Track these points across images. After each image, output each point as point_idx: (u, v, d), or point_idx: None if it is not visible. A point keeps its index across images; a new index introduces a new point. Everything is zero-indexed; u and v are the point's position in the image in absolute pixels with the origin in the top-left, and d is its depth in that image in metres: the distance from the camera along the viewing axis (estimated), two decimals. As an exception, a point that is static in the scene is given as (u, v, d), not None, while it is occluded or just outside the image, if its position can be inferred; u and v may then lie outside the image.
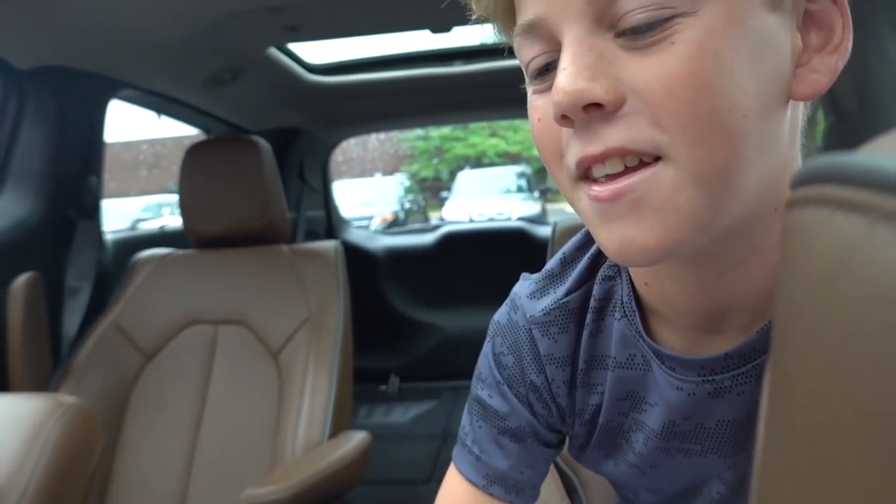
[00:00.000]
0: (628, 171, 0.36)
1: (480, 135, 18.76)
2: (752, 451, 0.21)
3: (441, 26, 1.67)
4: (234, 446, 1.30)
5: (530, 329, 0.53)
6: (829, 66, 0.38)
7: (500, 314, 0.57)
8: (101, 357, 1.37)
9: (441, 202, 12.26)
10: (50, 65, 1.36)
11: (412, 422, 2.66)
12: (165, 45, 1.43)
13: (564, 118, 0.37)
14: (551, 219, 3.57)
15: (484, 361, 0.57)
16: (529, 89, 0.43)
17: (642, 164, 0.36)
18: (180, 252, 1.55)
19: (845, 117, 1.25)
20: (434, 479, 2.17)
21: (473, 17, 0.45)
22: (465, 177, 12.50)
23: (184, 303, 1.45)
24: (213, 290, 1.46)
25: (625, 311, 0.49)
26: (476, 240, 3.11)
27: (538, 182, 12.35)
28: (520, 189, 11.49)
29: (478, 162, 17.90)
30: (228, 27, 1.41)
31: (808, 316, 0.16)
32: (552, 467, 0.96)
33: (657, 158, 0.35)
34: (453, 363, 2.97)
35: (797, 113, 0.41)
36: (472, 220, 7.73)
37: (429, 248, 3.05)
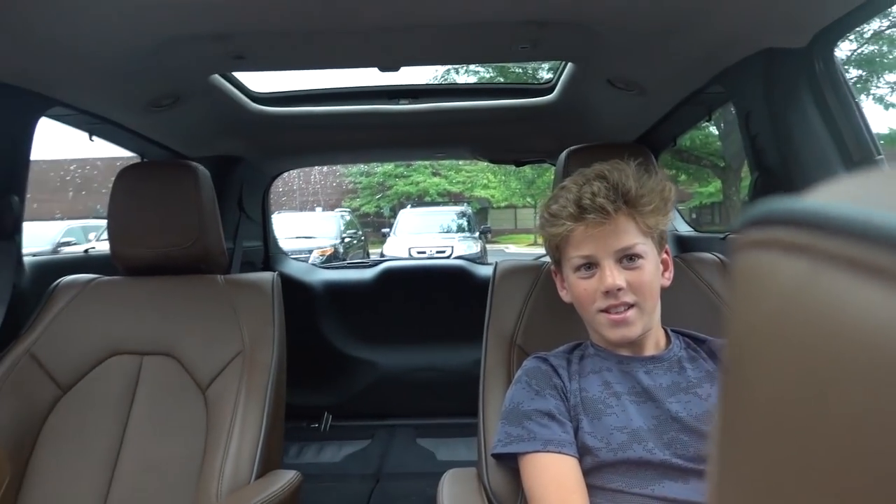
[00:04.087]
0: (626, 310, 1.00)
1: (423, 173, 18.95)
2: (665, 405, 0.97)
3: (389, 65, 1.69)
4: (154, 485, 1.23)
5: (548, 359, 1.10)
6: (668, 277, 1.08)
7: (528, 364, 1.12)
8: (11, 387, 1.28)
9: (382, 238, 12.22)
10: None
11: (345, 461, 2.58)
12: (105, 65, 1.38)
13: (608, 293, 0.99)
14: (491, 259, 3.61)
15: (519, 389, 1.05)
16: (574, 274, 1.04)
17: (629, 307, 1.00)
18: (106, 278, 1.47)
19: (768, 172, 1.33)
20: (365, 522, 2.10)
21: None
22: (407, 214, 12.53)
23: (106, 331, 1.38)
24: (139, 319, 1.39)
25: (593, 347, 1.10)
26: (416, 277, 3.10)
27: (479, 222, 12.50)
28: (461, 229, 11.59)
29: (419, 200, 18.03)
30: (173, 51, 1.38)
31: (760, 358, 0.17)
32: (485, 498, 1.05)
33: (632, 306, 1.00)
34: (388, 401, 2.92)
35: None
36: (412, 257, 7.72)
37: (368, 283, 3.02)
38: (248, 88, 2.00)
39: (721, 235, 2.00)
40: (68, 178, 15.95)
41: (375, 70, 1.73)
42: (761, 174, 1.34)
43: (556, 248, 1.08)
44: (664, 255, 1.07)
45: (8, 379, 1.29)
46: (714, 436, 0.18)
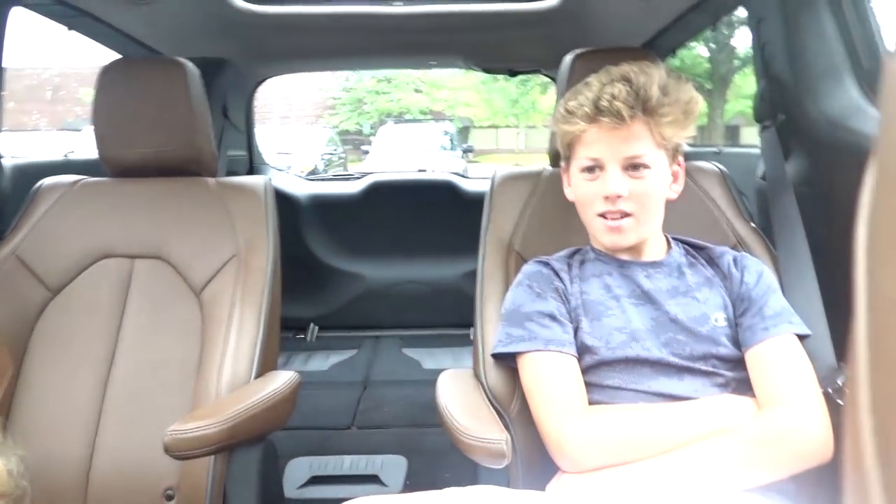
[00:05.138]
0: (622, 218, 1.00)
1: (404, 90, 18.45)
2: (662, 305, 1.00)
3: None
4: (151, 386, 1.23)
5: (549, 263, 1.11)
6: (675, 190, 1.07)
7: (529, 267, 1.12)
8: None
9: (362, 155, 12.03)
10: None
11: (332, 369, 2.64)
12: None
13: (608, 198, 0.99)
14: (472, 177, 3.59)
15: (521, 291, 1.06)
16: (580, 174, 1.03)
17: (625, 215, 0.99)
18: (92, 180, 1.42)
19: (776, 81, 1.30)
20: (355, 426, 2.17)
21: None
22: (388, 130, 12.29)
23: (96, 234, 1.35)
24: (129, 222, 1.35)
25: (593, 252, 1.11)
26: (404, 190, 3.08)
27: (461, 141, 12.35)
28: (443, 147, 11.43)
29: (400, 117, 17.65)
30: None
31: None
32: (491, 407, 1.03)
33: (629, 215, 0.99)
34: (374, 313, 2.96)
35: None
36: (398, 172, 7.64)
37: (355, 196, 2.99)
38: (233, -16, 1.89)
39: (715, 149, 2.00)
40: (47, 77, 15.41)
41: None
42: (768, 83, 1.32)
43: (568, 146, 1.06)
44: (676, 167, 1.06)
45: None
46: (862, 256, 0.18)
